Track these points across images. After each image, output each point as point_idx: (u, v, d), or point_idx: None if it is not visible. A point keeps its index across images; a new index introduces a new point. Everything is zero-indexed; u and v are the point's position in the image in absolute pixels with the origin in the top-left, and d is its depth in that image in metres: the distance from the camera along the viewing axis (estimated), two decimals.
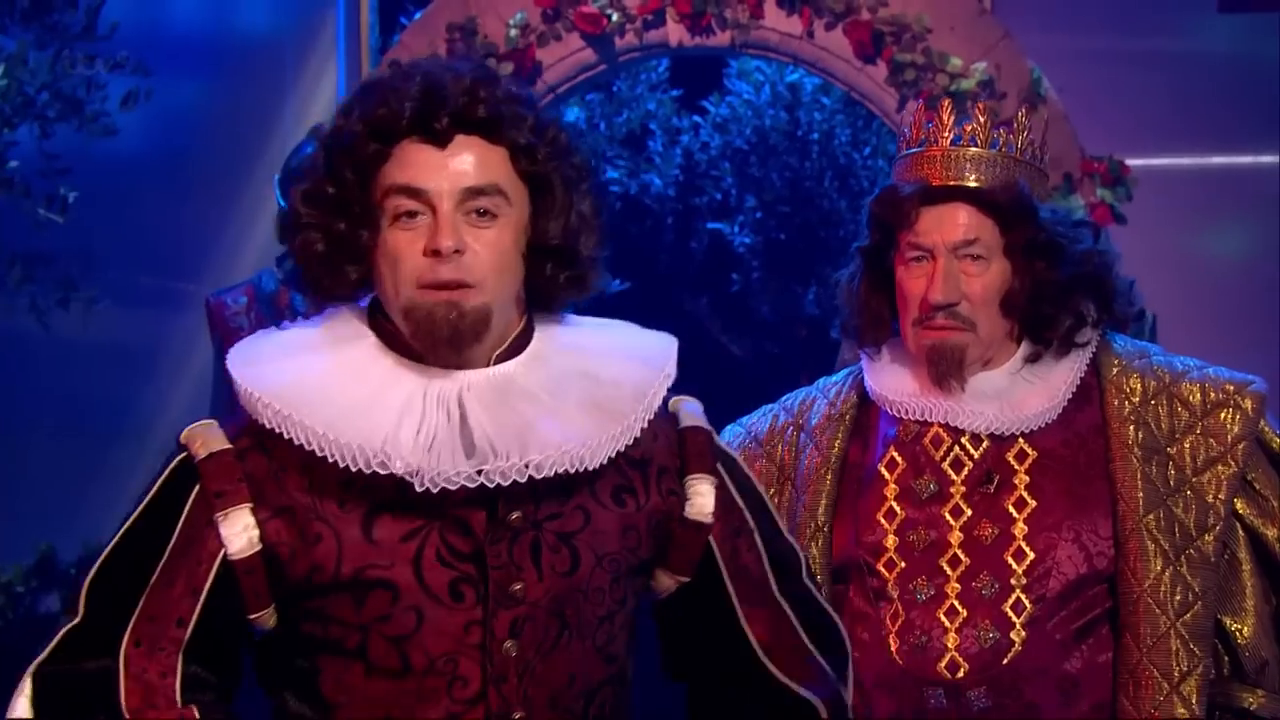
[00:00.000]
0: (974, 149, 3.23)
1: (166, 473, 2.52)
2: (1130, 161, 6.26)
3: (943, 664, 3.14)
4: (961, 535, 3.19)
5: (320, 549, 2.46)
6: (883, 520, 3.24)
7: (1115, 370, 3.27)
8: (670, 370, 2.61)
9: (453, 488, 2.44)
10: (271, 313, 5.62)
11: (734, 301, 7.79)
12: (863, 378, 3.36)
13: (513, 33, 6.33)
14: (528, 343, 2.57)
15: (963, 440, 3.24)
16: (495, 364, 2.53)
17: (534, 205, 2.53)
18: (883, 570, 3.21)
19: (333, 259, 2.51)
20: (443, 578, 2.47)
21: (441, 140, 2.48)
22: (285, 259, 3.65)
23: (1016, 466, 3.22)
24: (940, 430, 3.25)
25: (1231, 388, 3.25)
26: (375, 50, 6.79)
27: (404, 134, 2.48)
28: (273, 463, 2.47)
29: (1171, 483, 3.19)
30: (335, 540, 2.46)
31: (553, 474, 2.47)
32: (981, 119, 3.26)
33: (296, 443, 2.44)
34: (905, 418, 3.27)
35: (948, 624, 3.15)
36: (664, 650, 2.78)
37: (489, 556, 2.47)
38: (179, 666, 2.44)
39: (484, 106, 2.48)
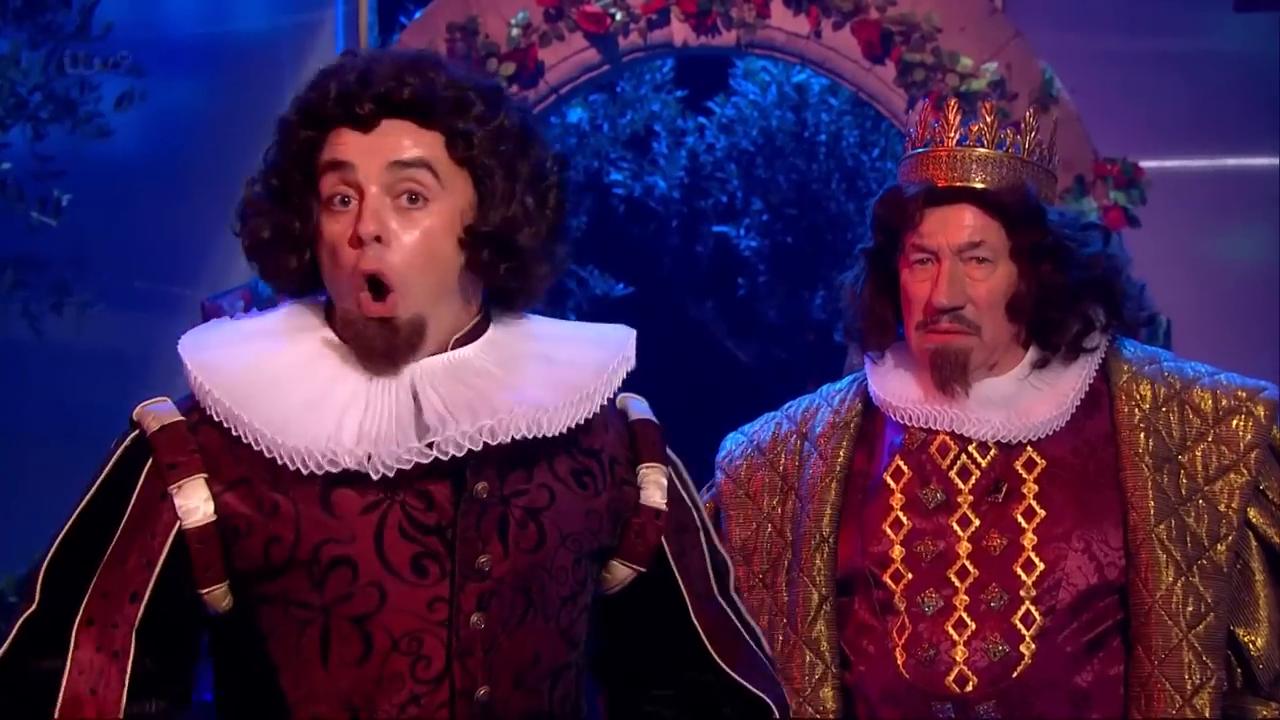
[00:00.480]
0: (981, 149, 3.22)
1: (119, 451, 2.50)
2: (1144, 163, 6.30)
3: (951, 678, 3.13)
4: (969, 546, 3.18)
5: (277, 521, 2.45)
6: (889, 531, 3.23)
7: (1125, 377, 3.26)
8: (629, 354, 2.63)
9: (406, 467, 2.44)
10: None
11: (740, 306, 7.91)
12: (867, 384, 3.35)
13: (514, 32, 6.37)
14: (484, 330, 2.58)
15: (970, 448, 3.23)
16: (452, 349, 2.54)
17: (478, 194, 2.52)
18: (889, 582, 3.20)
19: (275, 248, 2.51)
20: (405, 553, 2.46)
21: (367, 125, 2.48)
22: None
23: (1025, 475, 3.21)
24: (947, 438, 3.24)
25: (1244, 394, 3.24)
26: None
27: (333, 119, 2.49)
28: (226, 435, 2.46)
29: (1183, 491, 3.18)
30: (294, 510, 2.45)
31: (509, 439, 2.46)
32: (989, 119, 3.25)
33: (244, 441, 2.45)
34: (910, 425, 3.26)
35: (956, 637, 3.15)
36: (604, 654, 2.76)
37: (460, 528, 2.48)
38: (132, 648, 2.42)
39: (410, 90, 2.48)
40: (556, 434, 2.51)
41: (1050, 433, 3.21)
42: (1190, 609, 3.12)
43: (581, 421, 2.55)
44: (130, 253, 6.42)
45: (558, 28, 6.37)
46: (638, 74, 7.72)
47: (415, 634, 2.45)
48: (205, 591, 2.47)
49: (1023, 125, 3.26)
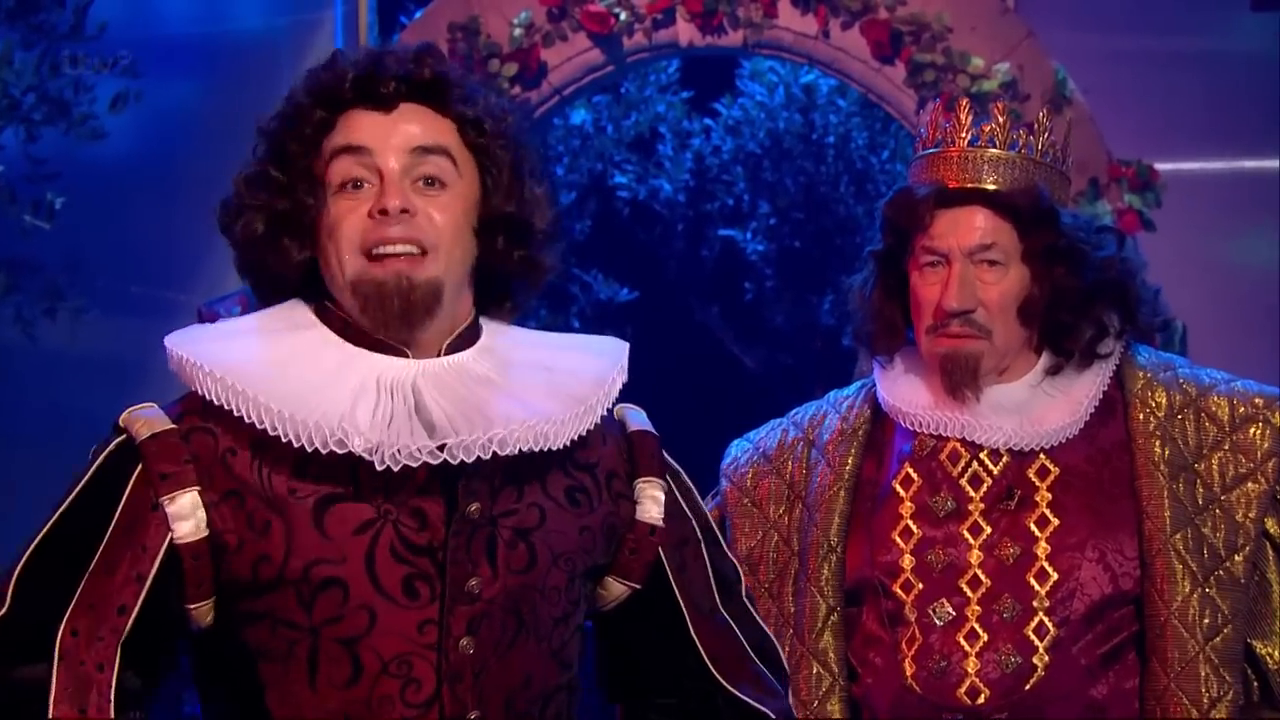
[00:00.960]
0: (992, 150, 3.21)
1: (103, 456, 2.44)
2: (1159, 165, 6.33)
3: (962, 690, 3.12)
4: (981, 555, 3.16)
5: (268, 540, 2.41)
6: (898, 539, 3.21)
7: (1140, 383, 3.24)
8: (623, 365, 2.62)
9: (414, 464, 2.41)
10: None
11: (746, 311, 7.99)
12: (875, 390, 3.33)
13: (517, 32, 6.40)
14: (477, 337, 2.57)
15: (981, 456, 3.21)
16: (446, 354, 2.52)
17: (482, 183, 2.54)
18: (899, 592, 3.19)
19: (274, 236, 2.48)
20: (396, 574, 2.43)
21: (387, 105, 2.49)
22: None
23: (1038, 483, 3.19)
24: (958, 445, 3.22)
25: (1261, 402, 3.22)
26: None
27: (349, 101, 2.50)
28: (220, 444, 2.43)
29: (1200, 501, 3.17)
30: (285, 530, 2.41)
31: (516, 451, 2.45)
32: (1001, 119, 3.24)
33: (247, 420, 2.40)
34: (920, 431, 3.24)
35: (968, 648, 3.13)
36: (606, 669, 2.78)
37: (450, 550, 2.46)
38: (117, 660, 2.38)
39: (429, 70, 2.50)
40: (559, 447, 2.51)
41: (1063, 440, 3.19)
42: (1207, 621, 3.10)
43: (582, 434, 2.54)
44: (125, 257, 6.46)
45: (561, 28, 6.42)
46: (642, 75, 7.87)
47: (405, 657, 2.43)
48: (193, 607, 2.44)
49: (1036, 126, 3.25)
